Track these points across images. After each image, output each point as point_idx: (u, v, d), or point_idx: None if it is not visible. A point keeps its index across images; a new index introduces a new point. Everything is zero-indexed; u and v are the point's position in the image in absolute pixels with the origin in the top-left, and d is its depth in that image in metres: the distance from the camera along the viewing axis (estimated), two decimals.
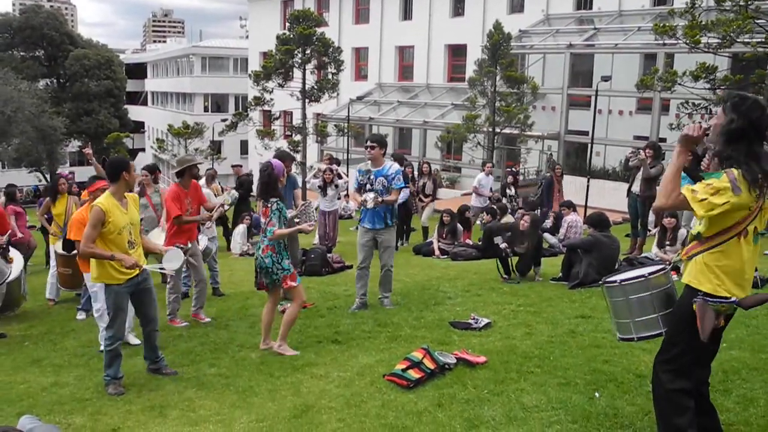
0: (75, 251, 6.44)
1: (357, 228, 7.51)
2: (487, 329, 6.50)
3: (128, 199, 5.62)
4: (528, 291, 8.01)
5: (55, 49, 49.19)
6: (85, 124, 46.74)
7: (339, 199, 12.92)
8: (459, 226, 12.45)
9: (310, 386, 5.37)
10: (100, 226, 5.32)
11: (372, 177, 7.24)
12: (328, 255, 10.43)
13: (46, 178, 42.12)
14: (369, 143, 7.31)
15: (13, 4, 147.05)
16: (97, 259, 5.46)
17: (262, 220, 6.22)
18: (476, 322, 6.66)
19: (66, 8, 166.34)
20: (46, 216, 9.75)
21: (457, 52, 31.20)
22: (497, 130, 22.09)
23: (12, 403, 5.56)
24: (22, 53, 49.04)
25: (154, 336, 5.91)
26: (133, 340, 6.89)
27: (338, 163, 15.30)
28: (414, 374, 5.24)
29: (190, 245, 7.44)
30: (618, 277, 3.94)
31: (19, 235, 9.69)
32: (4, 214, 8.19)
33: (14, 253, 8.30)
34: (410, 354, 5.52)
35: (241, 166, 18.57)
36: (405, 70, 34.02)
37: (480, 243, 11.99)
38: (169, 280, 7.65)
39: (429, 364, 5.38)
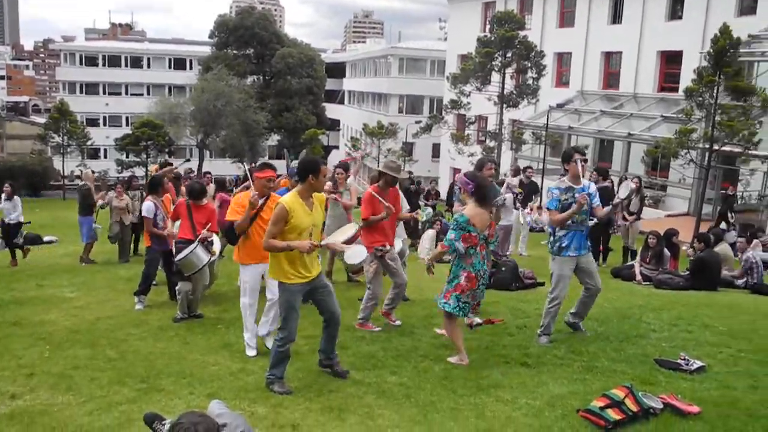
0: (234, 233, 6.37)
1: (553, 251, 6.76)
2: (700, 373, 5.72)
3: (314, 199, 5.49)
4: (750, 334, 6.96)
5: (264, 47, 51.88)
6: (285, 120, 48.97)
7: (517, 209, 12.58)
8: (666, 251, 11.30)
9: (495, 410, 5.03)
10: (282, 223, 5.26)
11: (576, 194, 6.57)
12: (519, 270, 9.89)
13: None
14: (581, 158, 6.58)
15: (230, 6, 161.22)
16: (276, 252, 5.34)
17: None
18: (687, 363, 5.87)
19: (275, 9, 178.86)
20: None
21: (671, 59, 28.78)
22: (715, 147, 19.95)
23: (204, 383, 5.75)
24: (234, 51, 52.19)
25: (336, 322, 5.68)
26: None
27: (523, 171, 14.50)
28: (613, 414, 4.74)
29: (388, 247, 7.25)
30: None
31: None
32: (215, 215, 8.58)
33: (216, 242, 8.61)
34: (610, 391, 4.98)
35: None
36: (610, 78, 32.13)
37: (687, 272, 10.83)
38: (368, 285, 7.34)
39: (631, 405, 4.82)
